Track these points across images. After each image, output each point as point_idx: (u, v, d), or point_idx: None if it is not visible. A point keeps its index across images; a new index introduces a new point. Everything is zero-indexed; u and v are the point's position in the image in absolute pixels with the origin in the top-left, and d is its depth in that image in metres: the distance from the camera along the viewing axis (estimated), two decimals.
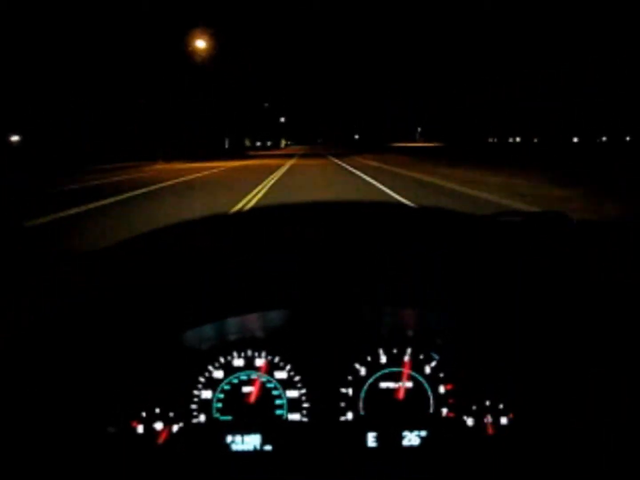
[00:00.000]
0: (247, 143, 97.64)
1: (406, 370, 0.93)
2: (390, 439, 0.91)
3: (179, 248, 0.85)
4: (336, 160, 31.89)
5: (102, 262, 0.83)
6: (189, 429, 0.91)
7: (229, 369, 0.93)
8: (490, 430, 0.91)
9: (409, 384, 0.93)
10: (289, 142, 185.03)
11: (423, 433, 0.92)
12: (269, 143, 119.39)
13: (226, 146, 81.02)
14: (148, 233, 0.87)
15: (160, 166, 29.40)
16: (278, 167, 25.21)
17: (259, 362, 0.93)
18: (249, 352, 0.94)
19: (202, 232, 0.89)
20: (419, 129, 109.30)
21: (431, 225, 0.90)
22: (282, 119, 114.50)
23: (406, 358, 0.93)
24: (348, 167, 24.05)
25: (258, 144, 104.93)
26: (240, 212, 0.86)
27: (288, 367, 0.93)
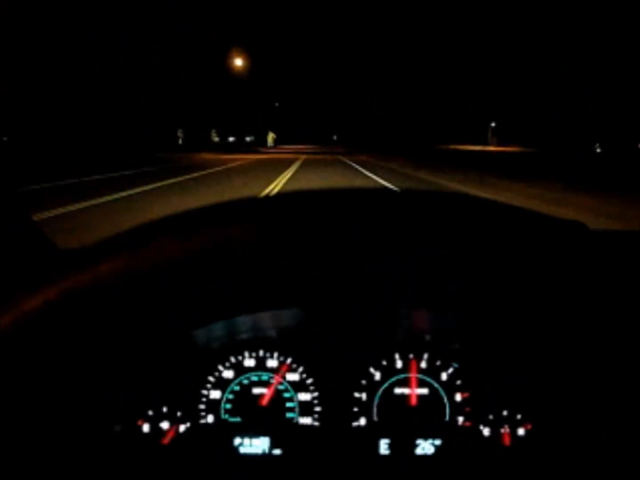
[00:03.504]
0: (215, 137, 63.38)
1: (413, 375, 0.93)
2: (403, 446, 0.92)
3: (188, 241, 0.82)
4: None
5: (105, 255, 0.80)
6: (197, 429, 0.91)
7: (239, 369, 0.94)
8: (506, 441, 0.91)
9: (424, 391, 0.93)
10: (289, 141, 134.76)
11: (437, 442, 0.91)
12: (248, 139, 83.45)
13: (180, 142, 57.69)
14: (149, 225, 0.82)
15: None
16: None
17: (271, 362, 0.94)
18: (261, 353, 0.94)
19: (208, 224, 0.84)
20: (493, 125, 70.97)
21: (450, 226, 0.86)
22: (277, 104, 78.58)
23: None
24: None
25: (231, 139, 71.46)
26: (251, 201, 0.85)
27: (300, 369, 0.94)
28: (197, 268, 0.79)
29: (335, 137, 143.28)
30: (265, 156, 39.23)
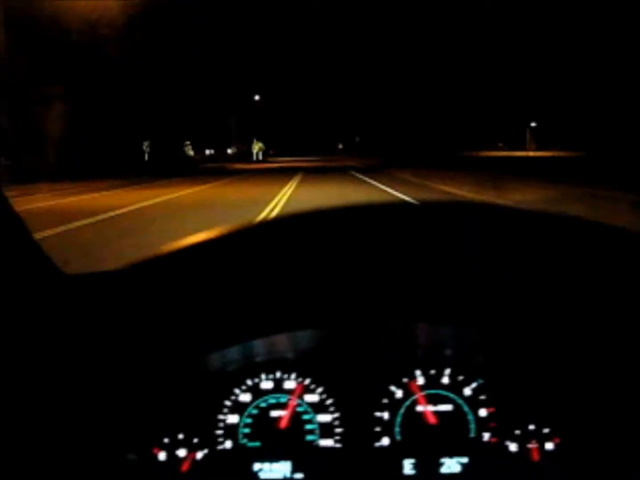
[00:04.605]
0: (189, 151, 53.26)
1: (420, 394, 0.91)
2: (428, 465, 0.90)
3: (203, 267, 0.84)
4: None
5: (120, 283, 0.83)
6: (214, 455, 0.90)
7: (256, 392, 0.92)
8: (535, 456, 0.88)
9: (448, 407, 0.91)
10: (274, 152, 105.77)
11: (463, 459, 0.89)
12: (230, 150, 73.36)
13: (146, 157, 48.38)
14: (165, 253, 0.85)
15: None
16: None
17: (289, 384, 0.93)
18: (278, 374, 0.93)
19: (225, 249, 0.86)
20: (533, 124, 59.05)
21: (469, 240, 0.87)
22: (257, 97, 67.02)
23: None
24: None
25: (209, 152, 61.32)
26: (263, 225, 0.88)
27: (320, 389, 0.92)
28: (210, 293, 0.80)
29: (340, 146, 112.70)
30: (221, 186, 22.97)
